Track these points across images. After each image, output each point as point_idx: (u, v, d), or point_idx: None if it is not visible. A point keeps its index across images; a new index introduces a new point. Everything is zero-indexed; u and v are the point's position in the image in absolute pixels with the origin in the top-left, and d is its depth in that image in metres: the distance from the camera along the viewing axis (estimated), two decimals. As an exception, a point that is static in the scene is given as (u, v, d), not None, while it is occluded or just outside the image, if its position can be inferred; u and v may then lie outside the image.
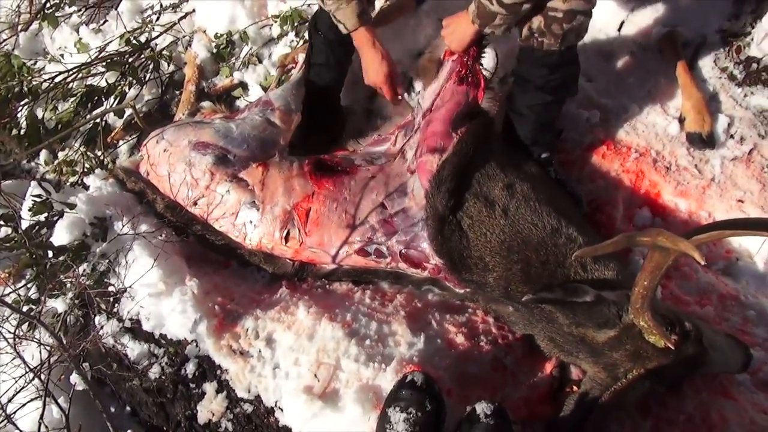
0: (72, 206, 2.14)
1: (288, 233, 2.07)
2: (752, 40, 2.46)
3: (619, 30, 2.60)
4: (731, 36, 2.52)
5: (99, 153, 2.82)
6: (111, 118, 2.97)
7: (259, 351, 1.92)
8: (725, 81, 2.46)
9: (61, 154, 3.00)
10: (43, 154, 3.02)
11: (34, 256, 2.09)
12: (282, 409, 1.84)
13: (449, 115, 2.07)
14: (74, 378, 1.92)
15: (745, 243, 2.19)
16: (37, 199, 2.19)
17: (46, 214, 2.20)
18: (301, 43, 2.81)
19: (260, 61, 2.90)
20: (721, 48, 2.52)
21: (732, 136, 2.34)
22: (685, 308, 1.99)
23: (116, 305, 2.08)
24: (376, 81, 2.19)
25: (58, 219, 2.14)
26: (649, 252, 1.46)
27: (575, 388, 1.76)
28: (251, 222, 2.10)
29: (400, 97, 2.29)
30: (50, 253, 2.10)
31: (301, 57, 2.64)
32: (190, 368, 1.97)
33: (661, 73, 2.48)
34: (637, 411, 1.73)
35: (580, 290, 1.67)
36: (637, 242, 1.40)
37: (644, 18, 2.57)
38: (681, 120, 2.37)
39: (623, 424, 1.72)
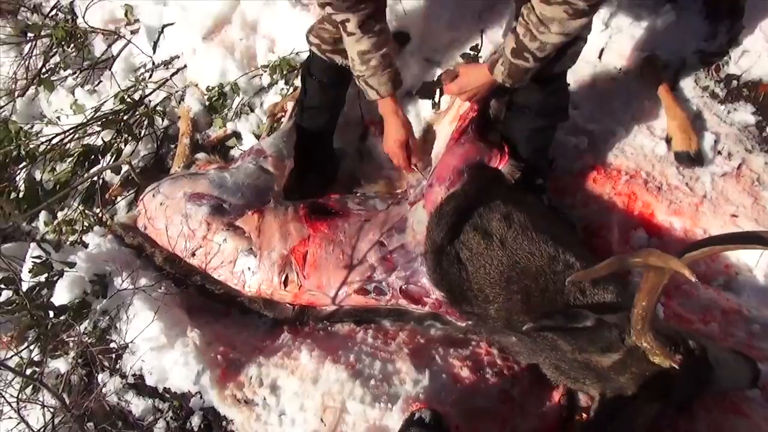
0: (71, 265, 2.15)
1: (286, 278, 2.08)
2: (730, 58, 2.52)
3: (599, 57, 2.66)
4: (709, 56, 2.57)
5: (97, 210, 2.85)
6: (108, 175, 3.00)
7: (264, 399, 1.90)
8: (708, 99, 2.50)
9: (60, 214, 3.02)
10: (43, 215, 3.04)
11: (35, 318, 2.09)
12: (290, 457, 1.82)
13: (466, 156, 2.07)
14: (79, 439, 1.90)
15: (743, 257, 2.19)
16: (37, 260, 2.20)
17: (46, 275, 2.20)
18: (290, 90, 2.88)
19: (252, 110, 2.96)
20: (700, 68, 2.57)
21: (720, 153, 2.37)
22: (689, 326, 1.98)
23: (119, 362, 2.07)
24: (394, 149, 2.21)
25: (58, 279, 2.14)
26: (644, 273, 1.46)
27: (585, 415, 1.74)
28: (249, 269, 2.11)
29: (413, 167, 2.28)
30: (51, 314, 2.10)
31: (290, 105, 2.70)
32: (196, 421, 1.95)
33: (644, 96, 2.53)
34: (648, 435, 1.70)
35: (580, 315, 1.67)
36: (629, 264, 1.41)
37: (623, 44, 2.63)
38: (668, 140, 2.41)
39: (636, 449, 1.69)
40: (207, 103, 3.01)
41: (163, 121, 3.11)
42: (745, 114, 2.43)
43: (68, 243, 2.84)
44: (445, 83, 2.16)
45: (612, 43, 2.66)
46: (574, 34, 1.76)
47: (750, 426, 1.71)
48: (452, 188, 1.99)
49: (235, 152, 2.91)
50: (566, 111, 2.21)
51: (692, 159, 2.34)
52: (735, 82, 2.50)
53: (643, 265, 1.37)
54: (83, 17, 3.41)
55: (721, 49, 2.57)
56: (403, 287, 1.98)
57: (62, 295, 2.09)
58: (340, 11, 1.92)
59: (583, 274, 1.56)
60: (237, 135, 2.94)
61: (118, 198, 2.97)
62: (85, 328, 2.09)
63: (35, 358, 2.18)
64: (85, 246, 2.42)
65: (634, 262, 1.38)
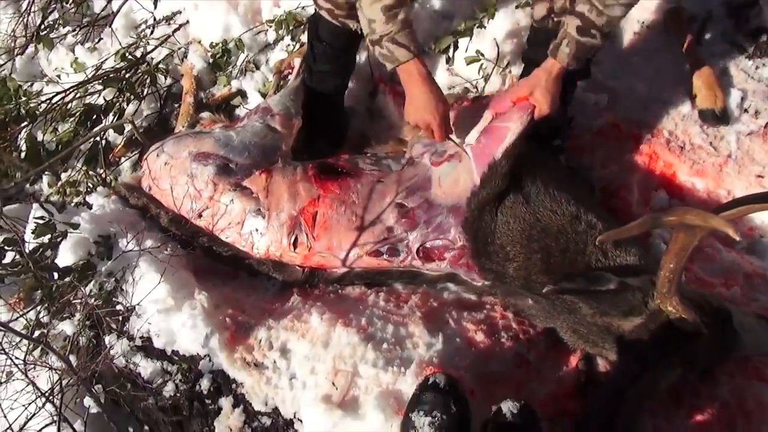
0: (75, 226, 2.10)
1: (296, 239, 2.02)
2: (760, 10, 2.40)
3: (621, 10, 2.53)
4: (737, 8, 2.46)
5: (101, 171, 2.79)
6: (111, 135, 2.93)
7: (274, 362, 1.86)
8: (735, 54, 2.40)
9: (63, 176, 2.97)
10: (46, 177, 2.99)
11: (39, 279, 2.05)
12: (301, 420, 1.78)
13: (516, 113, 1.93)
14: (87, 401, 1.88)
15: (768, 219, 2.12)
16: (40, 221, 2.15)
17: (49, 236, 2.16)
18: (297, 46, 2.77)
19: (258, 68, 2.86)
20: (727, 21, 2.45)
21: (746, 111, 2.28)
22: (711, 290, 1.92)
23: (126, 324, 2.04)
24: (429, 120, 1.94)
25: (62, 240, 2.09)
26: (673, 233, 1.39)
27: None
28: (258, 230, 2.05)
29: (452, 140, 2.06)
30: (56, 275, 2.06)
31: (297, 61, 2.59)
32: (205, 384, 1.92)
33: (667, 51, 2.43)
34: (669, 400, 1.66)
35: (602, 278, 1.61)
36: (664, 222, 1.34)
37: (647, -4, 2.51)
38: (692, 97, 2.31)
39: (656, 414, 1.65)
40: (211, 60, 2.92)
41: (166, 79, 3.01)
42: (774, 70, 2.32)
43: (72, 204, 2.79)
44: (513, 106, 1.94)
45: (635, -5, 2.53)
46: (636, 2, 1.70)
47: (773, 392, 1.66)
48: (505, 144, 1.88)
49: (240, 111, 2.83)
50: (587, 68, 2.11)
51: (717, 117, 2.25)
52: (764, 36, 2.38)
53: (679, 223, 1.29)
54: (81, -29, 3.29)
55: (750, 1, 2.44)
56: (423, 246, 1.92)
57: (66, 256, 2.05)
58: None
59: (614, 233, 1.48)
60: (242, 93, 2.85)
61: (122, 158, 2.91)
62: (91, 290, 2.04)
63: (42, 320, 2.16)
64: (89, 207, 2.36)
65: (668, 220, 1.31)
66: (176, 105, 2.96)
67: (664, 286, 1.48)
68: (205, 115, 2.75)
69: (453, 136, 2.04)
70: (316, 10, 2.20)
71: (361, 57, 2.64)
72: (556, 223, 1.75)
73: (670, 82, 2.37)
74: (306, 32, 2.53)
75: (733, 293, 1.93)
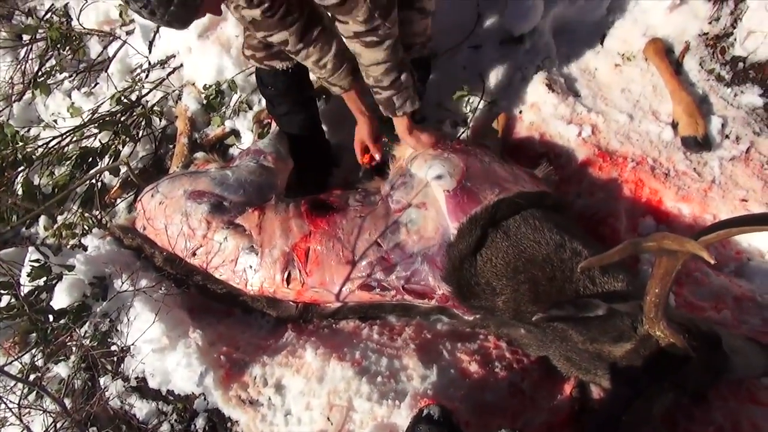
0: (70, 268, 2.12)
1: (289, 275, 2.04)
2: (735, 39, 2.47)
3: (601, 43, 2.62)
4: (714, 38, 2.52)
5: (97, 213, 2.82)
6: (107, 177, 2.98)
7: (269, 398, 1.86)
8: (713, 82, 2.45)
9: (60, 218, 3.00)
10: (42, 220, 3.02)
11: (34, 322, 2.06)
12: (297, 457, 1.78)
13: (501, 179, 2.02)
14: (82, 444, 1.87)
15: (754, 242, 2.14)
16: (36, 264, 2.17)
17: (45, 279, 2.17)
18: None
19: (251, 108, 2.92)
20: (705, 51, 2.52)
21: (727, 136, 2.32)
22: (701, 314, 1.94)
23: (121, 365, 2.04)
24: (355, 144, 2.35)
25: (57, 282, 2.11)
26: (656, 258, 1.42)
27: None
28: (251, 267, 2.07)
29: (368, 164, 2.38)
30: (51, 318, 2.06)
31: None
32: (200, 423, 1.92)
33: (648, 81, 2.49)
34: (663, 426, 1.66)
35: (591, 305, 1.63)
36: (643, 248, 1.37)
37: (626, 30, 2.59)
38: (674, 125, 2.36)
39: (652, 441, 1.65)
40: (204, 101, 2.97)
41: (160, 121, 3.08)
42: (752, 96, 2.38)
43: (68, 247, 2.81)
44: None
45: (614, 29, 2.62)
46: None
47: (767, 414, 1.66)
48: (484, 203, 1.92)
49: (234, 150, 2.88)
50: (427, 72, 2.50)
51: (699, 144, 2.29)
52: (741, 64, 2.45)
53: (657, 249, 1.32)
54: (78, 19, 3.38)
55: (726, 31, 2.52)
56: (405, 286, 1.94)
57: (61, 298, 2.06)
58: (274, 29, 1.90)
59: (595, 260, 1.51)
60: (235, 133, 2.90)
61: (118, 200, 2.94)
62: (86, 331, 2.05)
63: (37, 363, 2.16)
64: (85, 249, 2.38)
65: (647, 246, 1.34)
66: (171, 146, 3.02)
67: (651, 311, 1.50)
68: (200, 155, 2.79)
69: (371, 165, 2.35)
70: None
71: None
72: (541, 252, 1.77)
73: (652, 111, 2.42)
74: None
75: (723, 316, 1.94)
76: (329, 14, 1.90)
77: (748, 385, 1.75)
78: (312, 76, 2.42)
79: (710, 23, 2.53)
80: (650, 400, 1.57)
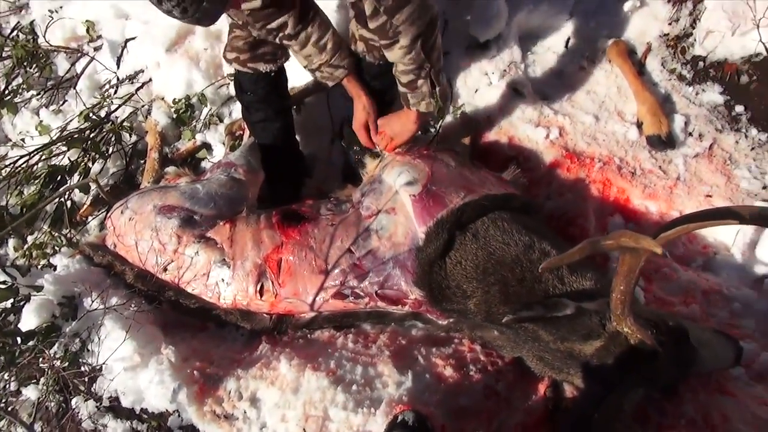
0: (39, 289, 2.09)
1: (262, 287, 2.03)
2: (695, 40, 2.54)
3: (566, 45, 2.66)
4: (674, 39, 2.59)
5: (66, 232, 2.78)
6: (77, 195, 2.94)
7: (244, 412, 1.85)
8: (675, 82, 2.51)
9: (30, 238, 2.95)
10: (12, 240, 2.97)
11: (1, 345, 2.02)
12: (274, 470, 1.76)
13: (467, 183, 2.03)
14: (54, 468, 1.83)
15: (720, 236, 2.19)
16: (2, 286, 2.13)
17: (12, 300, 2.13)
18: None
19: (221, 121, 2.91)
20: (666, 51, 2.58)
21: (690, 134, 2.37)
22: (671, 309, 1.97)
23: (93, 384, 2.01)
24: (355, 127, 2.27)
25: (25, 303, 2.07)
26: (620, 256, 1.44)
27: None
28: (223, 280, 2.06)
29: (376, 147, 2.30)
30: (19, 340, 2.03)
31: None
32: (175, 440, 1.90)
33: (612, 82, 2.53)
34: (636, 422, 1.68)
35: (559, 304, 1.65)
36: (602, 246, 1.38)
37: (588, 32, 2.64)
38: (639, 125, 2.40)
39: (625, 436, 1.66)
40: (174, 115, 2.95)
41: (130, 136, 3.04)
42: (713, 94, 2.45)
43: (39, 267, 2.77)
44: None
45: (577, 32, 2.66)
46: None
47: (737, 404, 1.69)
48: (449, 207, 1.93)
49: (206, 164, 2.87)
50: None
51: (663, 142, 2.34)
52: (701, 64, 2.51)
53: (616, 247, 1.34)
54: (44, 36, 3.34)
55: (686, 32, 2.58)
56: (379, 292, 1.94)
57: (30, 320, 2.03)
58: (273, 16, 1.92)
59: (556, 260, 1.53)
60: (207, 146, 2.89)
61: (89, 218, 2.90)
62: (56, 352, 2.02)
63: (7, 387, 2.11)
64: (54, 268, 2.35)
65: (606, 244, 1.36)
66: (142, 161, 2.99)
67: (617, 308, 1.52)
68: (171, 169, 2.76)
69: (378, 147, 2.26)
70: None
71: (320, 102, 2.73)
72: (510, 253, 1.79)
73: (617, 112, 2.47)
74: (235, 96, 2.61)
75: (692, 310, 1.97)
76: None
77: (717, 376, 1.78)
78: (294, 83, 2.43)
79: (670, 24, 2.60)
80: (621, 396, 1.59)
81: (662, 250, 1.23)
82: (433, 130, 2.56)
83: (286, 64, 2.36)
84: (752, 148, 2.30)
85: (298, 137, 2.62)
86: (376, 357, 1.91)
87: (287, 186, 2.49)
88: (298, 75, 2.60)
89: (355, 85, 2.19)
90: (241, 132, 2.73)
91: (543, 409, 1.76)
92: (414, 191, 1.97)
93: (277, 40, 2.07)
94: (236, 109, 2.91)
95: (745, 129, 2.35)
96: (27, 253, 2.86)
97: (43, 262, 2.78)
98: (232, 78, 2.92)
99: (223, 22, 2.95)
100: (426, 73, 1.94)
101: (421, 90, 1.98)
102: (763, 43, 2.32)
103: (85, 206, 2.92)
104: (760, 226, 2.01)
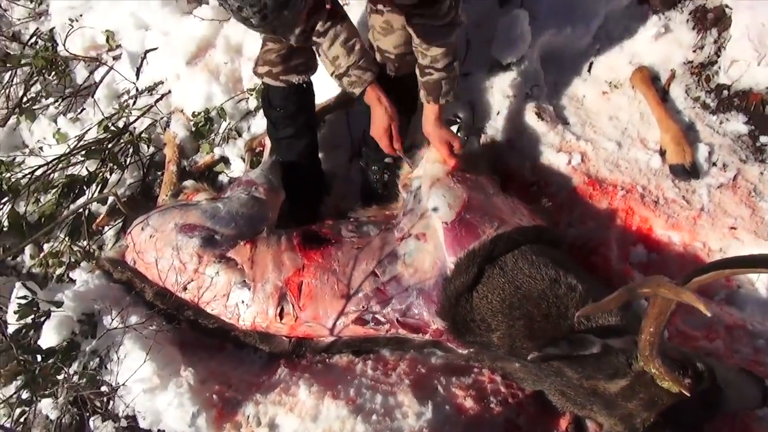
0: (59, 304, 2.08)
1: (282, 309, 2.02)
2: (720, 68, 2.52)
3: (589, 71, 2.65)
4: (699, 66, 2.57)
5: (84, 243, 2.78)
6: (94, 205, 2.94)
7: (263, 438, 1.84)
8: (699, 110, 2.49)
9: (46, 246, 2.95)
10: (29, 248, 2.97)
11: (22, 363, 2.01)
12: (292, 499, 1.76)
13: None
14: (71, 488, 1.83)
15: (743, 270, 2.16)
16: (23, 301, 2.13)
17: (32, 316, 2.13)
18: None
19: (240, 135, 2.91)
20: (690, 79, 2.56)
21: (714, 164, 2.35)
22: (694, 344, 1.96)
23: (111, 404, 2.00)
24: (379, 134, 2.17)
25: (45, 320, 2.07)
26: (651, 298, 1.43)
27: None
28: (243, 302, 2.05)
29: (398, 153, 2.22)
30: (39, 358, 2.02)
31: (267, 140, 2.63)
32: (192, 464, 1.89)
33: (635, 109, 2.52)
34: (660, 462, 1.66)
35: (585, 341, 1.63)
36: (638, 294, 1.37)
37: (612, 58, 2.62)
38: (662, 153, 2.39)
39: (648, 477, 1.64)
40: (193, 128, 2.96)
41: (148, 148, 3.05)
42: (737, 124, 2.43)
43: (55, 276, 2.77)
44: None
45: (601, 56, 2.65)
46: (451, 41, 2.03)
47: (762, 447, 1.67)
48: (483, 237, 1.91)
49: (223, 178, 2.87)
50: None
51: (687, 171, 2.32)
52: (726, 92, 2.49)
53: (653, 295, 1.33)
54: (64, 44, 3.35)
55: (710, 59, 2.56)
56: (400, 319, 1.93)
57: (50, 337, 2.02)
58: (311, 18, 1.90)
59: (592, 308, 1.52)
60: (225, 160, 2.89)
61: (105, 228, 2.90)
62: (75, 370, 2.01)
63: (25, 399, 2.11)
64: (72, 281, 2.35)
65: (643, 292, 1.35)
66: (159, 173, 2.99)
67: (646, 349, 1.50)
68: (189, 183, 2.76)
69: (400, 152, 2.20)
70: (261, 82, 2.31)
71: (339, 120, 2.72)
72: (537, 288, 1.78)
73: (640, 139, 2.45)
74: (262, 109, 2.60)
75: (715, 346, 1.95)
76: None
77: (742, 416, 1.76)
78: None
79: (695, 51, 2.58)
80: (646, 438, 1.58)
81: (706, 308, 1.21)
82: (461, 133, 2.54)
83: (310, 82, 2.35)
84: (777, 181, 2.28)
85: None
86: (396, 386, 1.90)
87: (307, 205, 2.48)
88: (318, 93, 2.59)
89: (376, 91, 2.10)
90: (261, 148, 2.72)
91: (565, 446, 1.75)
92: (447, 218, 1.96)
93: (309, 42, 2.05)
94: (255, 125, 2.91)
95: (770, 160, 2.34)
96: (43, 261, 2.87)
97: (59, 271, 2.79)
98: (252, 93, 2.94)
99: (246, 37, 2.98)
100: (455, 67, 2.01)
101: (456, 73, 2.04)
102: (790, 75, 2.30)
103: (102, 216, 2.92)
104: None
